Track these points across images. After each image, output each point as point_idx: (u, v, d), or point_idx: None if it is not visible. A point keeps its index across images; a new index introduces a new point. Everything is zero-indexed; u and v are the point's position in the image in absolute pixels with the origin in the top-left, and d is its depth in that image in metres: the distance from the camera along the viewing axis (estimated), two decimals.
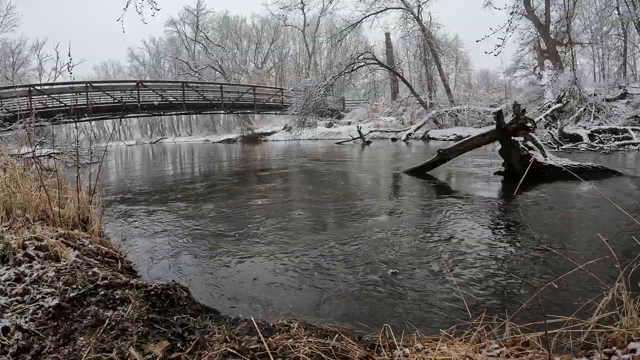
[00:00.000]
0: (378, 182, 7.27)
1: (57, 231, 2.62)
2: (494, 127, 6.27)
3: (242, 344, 1.35)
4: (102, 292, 1.74)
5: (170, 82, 26.53)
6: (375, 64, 20.80)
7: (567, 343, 1.29)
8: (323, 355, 1.27)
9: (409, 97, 22.94)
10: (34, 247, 2.22)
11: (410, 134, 18.91)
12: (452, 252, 2.92)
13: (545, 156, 6.11)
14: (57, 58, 34.12)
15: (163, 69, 40.86)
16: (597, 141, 10.77)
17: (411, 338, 1.43)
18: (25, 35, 37.19)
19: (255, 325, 1.47)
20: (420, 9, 21.65)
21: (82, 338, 1.40)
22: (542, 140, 7.65)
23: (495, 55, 9.88)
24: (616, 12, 18.45)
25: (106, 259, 2.55)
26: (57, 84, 19.19)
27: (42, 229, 2.63)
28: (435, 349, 1.31)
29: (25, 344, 1.38)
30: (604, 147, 10.20)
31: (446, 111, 19.49)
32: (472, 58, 32.66)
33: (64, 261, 2.13)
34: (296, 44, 40.00)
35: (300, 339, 1.37)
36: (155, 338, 1.41)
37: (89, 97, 17.31)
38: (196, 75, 32.29)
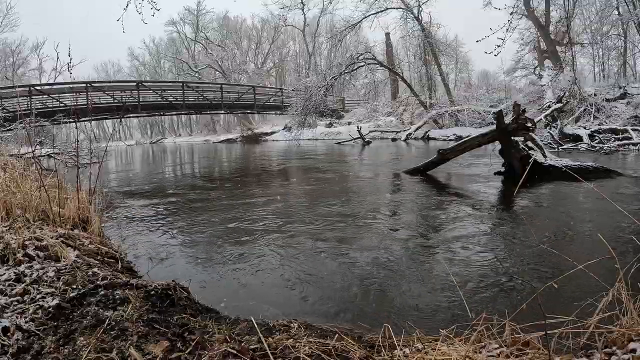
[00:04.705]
0: (378, 182, 7.27)
1: (57, 231, 2.62)
2: (494, 127, 6.27)
3: (242, 344, 1.35)
4: (102, 292, 1.74)
5: (170, 82, 26.54)
6: (375, 64, 20.76)
7: (567, 343, 1.29)
8: (323, 355, 1.27)
9: (409, 97, 22.92)
10: (34, 247, 2.22)
11: (410, 134, 18.91)
12: (452, 252, 2.92)
13: (545, 156, 6.10)
14: (57, 58, 34.07)
15: (163, 69, 40.90)
16: (597, 141, 10.76)
17: (411, 338, 1.43)
18: (25, 35, 37.22)
19: (255, 325, 1.47)
20: (420, 9, 21.63)
21: (82, 338, 1.40)
22: (542, 140, 7.65)
23: (495, 55, 9.94)
24: (616, 12, 18.46)
25: (106, 259, 2.55)
26: (57, 84, 19.22)
27: (42, 229, 2.63)
28: (435, 349, 1.31)
29: (25, 344, 1.38)
30: (604, 147, 10.19)
31: (446, 111, 19.47)
32: (472, 58, 32.71)
33: (64, 261, 2.13)
34: (296, 44, 40.01)
35: (300, 339, 1.36)
36: (155, 338, 1.41)
37: (89, 97, 17.31)
38: (196, 75, 32.32)
